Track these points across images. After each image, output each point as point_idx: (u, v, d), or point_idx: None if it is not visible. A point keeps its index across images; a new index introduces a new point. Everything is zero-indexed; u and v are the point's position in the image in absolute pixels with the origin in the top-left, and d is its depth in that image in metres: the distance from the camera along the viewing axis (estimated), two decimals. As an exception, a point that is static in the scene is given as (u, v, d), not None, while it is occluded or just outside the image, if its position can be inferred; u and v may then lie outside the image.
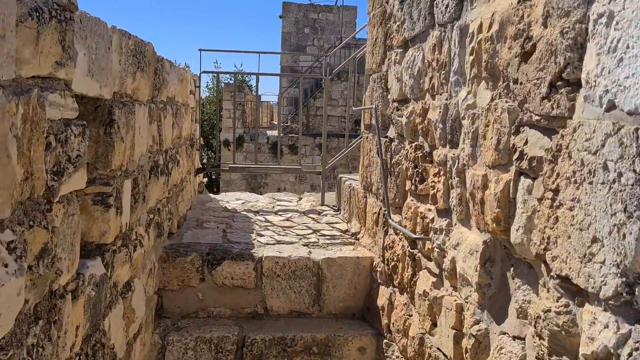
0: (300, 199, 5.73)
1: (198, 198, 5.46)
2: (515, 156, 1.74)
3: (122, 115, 2.30)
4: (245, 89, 20.70)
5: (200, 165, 5.43)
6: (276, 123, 22.10)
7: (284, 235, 4.16)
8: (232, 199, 5.58)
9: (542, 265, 1.59)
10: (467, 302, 2.12)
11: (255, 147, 5.30)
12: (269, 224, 4.57)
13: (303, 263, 3.56)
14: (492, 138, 1.90)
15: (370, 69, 3.95)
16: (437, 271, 2.51)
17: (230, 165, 5.22)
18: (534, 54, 1.61)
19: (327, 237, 4.18)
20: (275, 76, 4.70)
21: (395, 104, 3.25)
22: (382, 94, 3.55)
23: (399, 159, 3.15)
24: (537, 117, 1.60)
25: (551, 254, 1.50)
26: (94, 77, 1.89)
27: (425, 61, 2.71)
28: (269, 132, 18.23)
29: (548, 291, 1.54)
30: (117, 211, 2.28)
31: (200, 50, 5.03)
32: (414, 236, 2.64)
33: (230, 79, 29.80)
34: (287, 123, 18.08)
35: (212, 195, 5.84)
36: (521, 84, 1.70)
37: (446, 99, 2.43)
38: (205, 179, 32.87)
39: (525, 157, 1.67)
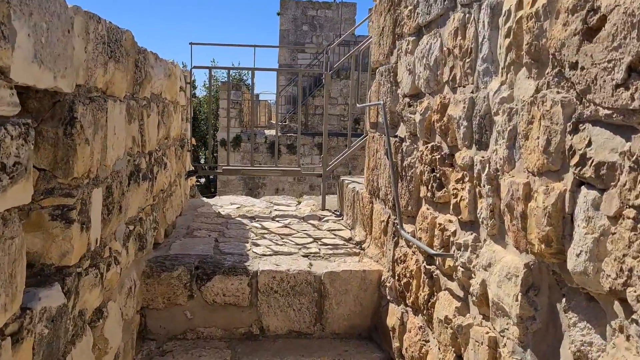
0: (299, 202, 5.37)
1: (190, 203, 5.09)
2: (573, 161, 1.37)
3: (87, 113, 1.93)
4: (243, 88, 20.35)
5: (192, 168, 5.06)
6: (274, 122, 21.74)
7: (282, 245, 3.79)
8: (226, 204, 5.21)
9: (617, 303, 1.22)
10: (503, 336, 1.76)
11: (252, 148, 4.93)
12: (266, 231, 4.20)
13: (303, 277, 3.19)
14: (538, 138, 1.53)
15: (376, 62, 3.58)
16: (461, 294, 2.14)
17: (224, 168, 4.85)
18: (603, 29, 1.25)
19: (329, 246, 3.81)
20: (272, 72, 4.36)
21: (407, 100, 2.89)
22: (391, 88, 3.19)
23: (411, 161, 2.78)
24: (607, 111, 1.24)
25: (635, 291, 1.13)
26: (44, 64, 1.52)
27: (444, 49, 2.34)
28: (266, 132, 17.85)
29: (628, 339, 1.18)
30: (82, 227, 1.91)
31: (191, 43, 4.67)
32: (433, 252, 2.27)
33: (226, 77, 29.45)
34: (285, 122, 17.70)
35: (205, 199, 5.48)
36: (582, 69, 1.33)
37: (472, 92, 2.06)
38: (203, 179, 32.63)
39: (589, 162, 1.30)
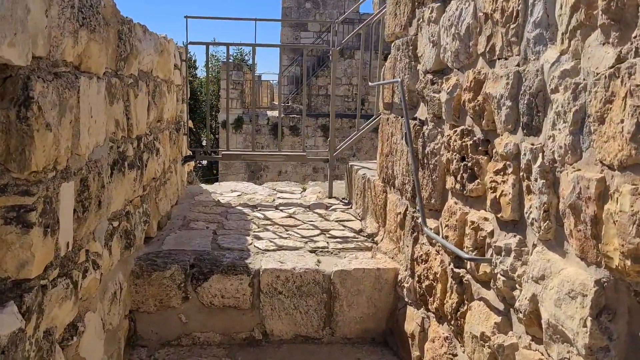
0: (304, 189, 5.02)
1: (187, 190, 4.75)
2: (681, 153, 1.02)
3: (49, 91, 1.57)
4: (244, 68, 19.88)
5: (189, 153, 4.71)
6: (277, 103, 21.31)
7: (286, 238, 3.46)
8: (226, 191, 4.87)
9: None
10: (563, 368, 1.43)
11: (253, 131, 4.58)
12: (269, 222, 3.86)
13: (311, 277, 2.86)
14: (622, 122, 1.18)
15: (391, 35, 3.21)
16: (500, 306, 1.81)
17: (223, 153, 4.51)
18: None
19: (339, 239, 3.48)
20: (274, 52, 4.01)
21: (429, 77, 2.52)
22: (409, 64, 2.82)
23: (435, 147, 2.43)
24: None
25: None
26: (-21, 27, 1.17)
27: (480, 14, 1.97)
28: (269, 113, 17.47)
29: None
30: (46, 230, 1.58)
31: (186, 17, 4.28)
32: (466, 256, 1.93)
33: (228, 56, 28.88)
34: (287, 103, 17.30)
35: (204, 186, 5.14)
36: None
37: (518, 65, 1.70)
38: (205, 162, 32.30)
39: None
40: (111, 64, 2.37)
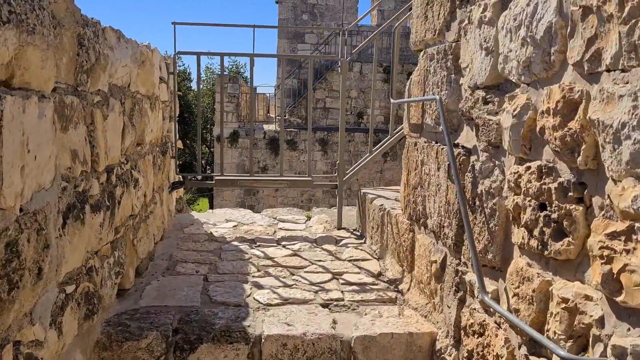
0: (308, 217, 4.44)
1: (175, 221, 4.16)
2: None
3: None
4: (240, 80, 19.35)
5: (179, 178, 4.13)
6: (273, 116, 20.73)
7: (292, 286, 2.86)
8: (220, 221, 4.28)
9: None
10: None
11: (251, 152, 3.99)
12: (270, 262, 3.27)
13: (326, 344, 2.27)
14: None
15: (419, 42, 2.65)
16: None
17: (217, 179, 3.93)
18: None
19: (355, 286, 2.89)
20: (270, 64, 3.46)
21: (480, 93, 1.95)
22: (448, 77, 2.26)
23: (491, 186, 1.86)
24: None
25: None
26: None
27: (571, 9, 1.41)
28: (265, 127, 16.96)
29: None
30: None
31: (174, 23, 3.72)
32: (567, 355, 1.34)
33: (222, 67, 28.38)
34: (285, 116, 16.76)
35: (195, 214, 4.54)
36: None
37: (655, 79, 1.14)
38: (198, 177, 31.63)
39: None
40: (67, 78, 1.80)
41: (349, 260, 3.34)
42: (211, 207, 19.08)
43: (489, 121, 1.88)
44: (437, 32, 2.39)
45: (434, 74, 2.40)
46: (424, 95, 2.55)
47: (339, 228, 4.07)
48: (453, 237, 2.17)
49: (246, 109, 18.79)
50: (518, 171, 1.67)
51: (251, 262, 3.25)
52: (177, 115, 4.24)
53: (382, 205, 3.37)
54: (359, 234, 3.95)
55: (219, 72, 24.56)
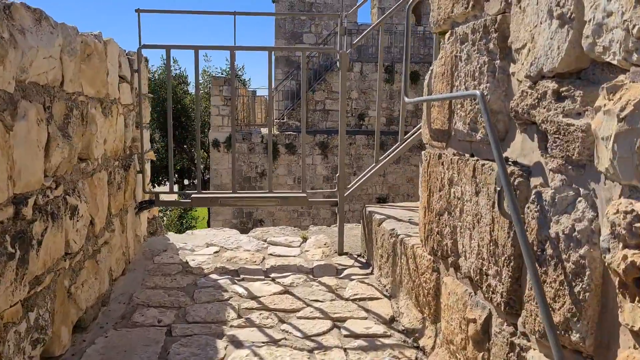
0: (304, 239, 3.77)
1: (145, 247, 3.49)
2: None
3: None
4: (236, 83, 18.70)
5: (150, 197, 3.46)
6: (273, 119, 19.99)
7: (280, 341, 2.21)
8: (200, 245, 3.61)
9: None
10: None
11: (234, 166, 3.33)
12: (255, 304, 2.62)
13: None
14: None
15: (443, 20, 1.99)
16: None
17: (194, 197, 3.27)
18: None
19: (362, 340, 2.23)
20: (270, 59, 2.77)
21: (548, 85, 1.30)
22: (490, 64, 1.60)
23: (576, 228, 1.20)
24: None
25: None
26: None
27: None
28: (263, 130, 16.34)
29: None
30: None
31: (138, 10, 3.07)
32: None
33: (220, 71, 27.58)
34: (283, 119, 16.17)
35: (172, 237, 3.87)
36: None
37: None
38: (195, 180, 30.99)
39: None
40: None
41: (354, 300, 2.68)
42: (209, 214, 18.44)
43: (567, 127, 1.22)
44: (471, 3, 1.73)
45: (468, 62, 1.75)
46: (452, 91, 1.89)
47: (341, 253, 3.41)
48: (504, 293, 1.51)
49: (243, 112, 18.14)
50: (634, 209, 1.01)
51: (231, 305, 2.60)
52: (147, 120, 3.59)
53: (393, 230, 2.71)
54: (364, 261, 3.29)
55: (215, 75, 23.86)
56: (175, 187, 32.92)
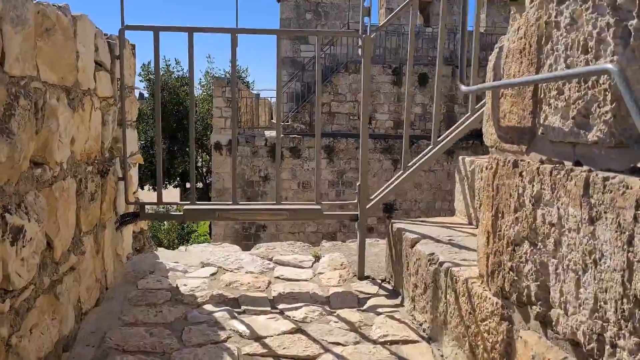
0: (317, 258, 3.22)
1: (129, 267, 2.94)
2: None
3: None
4: (240, 84, 18.20)
5: (135, 209, 2.92)
6: (280, 118, 19.46)
7: (293, 409, 1.65)
8: (194, 264, 3.07)
9: None
10: None
11: (233, 171, 2.79)
12: (259, 348, 2.07)
13: None
14: None
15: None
16: None
17: (187, 208, 2.73)
18: None
19: (401, 407, 1.67)
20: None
21: None
22: (619, 29, 1.05)
23: None
24: None
25: None
26: None
27: None
28: (267, 133, 15.83)
29: None
30: None
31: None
32: None
33: (223, 73, 27.08)
34: (287, 122, 15.67)
35: (162, 253, 3.32)
36: None
37: None
38: (199, 184, 30.71)
39: None
40: None
41: (384, 343, 2.12)
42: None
43: None
44: (579, -58, 1.19)
45: (571, 28, 1.20)
46: (538, 73, 1.34)
47: (361, 277, 2.86)
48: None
49: (246, 114, 17.62)
50: None
51: (228, 350, 2.05)
52: (132, 117, 3.05)
53: (432, 255, 2.16)
54: (390, 288, 2.73)
55: (218, 76, 23.41)
56: (177, 191, 32.34)
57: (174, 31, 2.66)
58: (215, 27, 2.65)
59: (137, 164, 3.19)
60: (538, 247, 1.36)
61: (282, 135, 15.11)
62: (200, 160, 31.21)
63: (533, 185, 1.37)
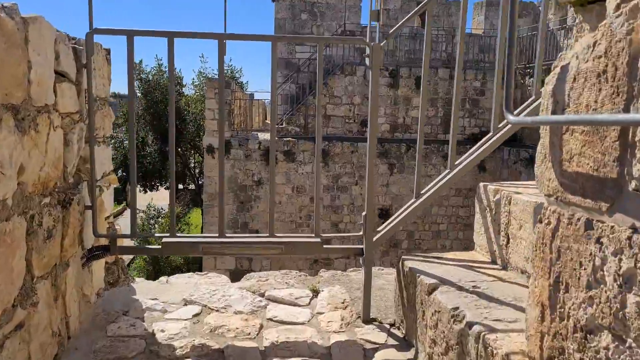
0: (315, 292, 2.85)
1: (99, 307, 2.55)
2: None
3: None
4: (233, 85, 17.78)
5: (104, 243, 2.53)
6: (270, 123, 19.02)
7: None
8: (175, 301, 2.69)
9: None
10: None
11: (221, 202, 2.41)
12: None
13: None
14: None
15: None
16: None
17: (165, 241, 2.35)
18: None
19: None
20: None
21: None
22: None
23: None
24: None
25: None
26: None
27: None
28: (260, 135, 15.48)
29: None
30: None
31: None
32: None
33: (217, 73, 26.72)
34: (281, 125, 15.30)
35: (139, 285, 2.92)
36: None
37: None
38: (192, 185, 30.11)
39: None
40: None
41: (398, 419, 1.76)
42: (203, 222, 17.53)
43: None
44: None
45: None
46: (626, 106, 0.98)
47: (366, 321, 2.49)
48: None
49: (240, 116, 17.22)
50: None
51: None
52: (105, 133, 2.66)
53: (457, 310, 1.79)
54: (400, 335, 2.36)
55: (211, 77, 23.05)
56: (167, 193, 31.83)
57: (151, 36, 2.27)
58: (200, 32, 2.26)
59: (112, 186, 2.80)
60: (627, 344, 0.99)
61: (276, 138, 14.75)
62: (193, 161, 30.76)
63: (620, 260, 1.00)
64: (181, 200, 30.33)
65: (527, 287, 1.88)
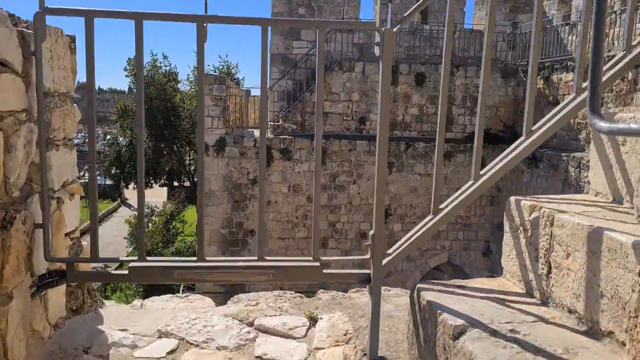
0: (312, 321, 2.45)
1: (57, 343, 2.14)
2: None
3: None
4: (228, 81, 17.32)
5: (62, 266, 2.12)
6: (266, 121, 18.48)
7: None
8: (149, 332, 2.28)
9: None
10: None
11: (201, 231, 2.01)
12: None
13: None
14: None
15: None
16: None
17: (133, 265, 1.94)
18: None
19: None
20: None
21: None
22: None
23: None
24: None
25: None
26: None
27: None
28: (256, 133, 15.03)
29: None
30: None
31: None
32: None
33: (214, 69, 26.30)
34: (278, 122, 14.90)
35: (108, 312, 2.51)
36: None
37: None
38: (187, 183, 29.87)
39: None
40: None
41: None
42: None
43: None
44: None
45: None
46: None
47: (374, 359, 2.09)
48: None
49: (235, 112, 16.79)
50: None
51: None
52: (68, 134, 2.25)
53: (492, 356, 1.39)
54: (416, 381, 1.97)
55: (206, 72, 22.66)
56: (164, 190, 31.31)
57: (115, 17, 1.86)
58: (175, 13, 1.85)
59: (76, 196, 2.39)
60: None
61: (272, 135, 14.32)
62: (188, 158, 30.26)
63: None
64: (176, 198, 29.88)
65: (578, 332, 1.50)
